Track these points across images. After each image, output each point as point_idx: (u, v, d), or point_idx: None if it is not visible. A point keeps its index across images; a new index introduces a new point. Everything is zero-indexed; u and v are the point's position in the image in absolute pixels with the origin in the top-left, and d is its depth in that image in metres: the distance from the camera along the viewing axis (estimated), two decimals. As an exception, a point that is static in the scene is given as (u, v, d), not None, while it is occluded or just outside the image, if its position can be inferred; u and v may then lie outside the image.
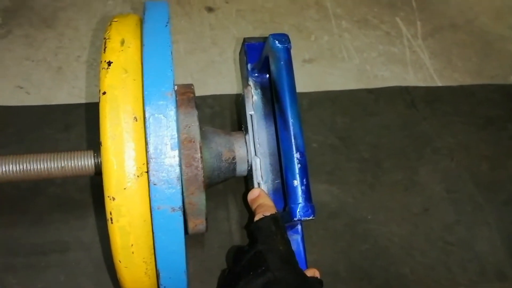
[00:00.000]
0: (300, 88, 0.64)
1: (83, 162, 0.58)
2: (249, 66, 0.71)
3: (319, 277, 0.58)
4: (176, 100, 0.59)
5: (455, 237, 0.79)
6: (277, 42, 0.62)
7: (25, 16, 0.99)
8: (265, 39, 0.66)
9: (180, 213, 0.49)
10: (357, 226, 0.79)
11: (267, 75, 0.70)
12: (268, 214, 0.58)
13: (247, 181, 0.71)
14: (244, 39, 0.73)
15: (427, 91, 0.98)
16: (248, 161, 0.66)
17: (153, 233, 0.49)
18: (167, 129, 0.49)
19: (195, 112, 0.59)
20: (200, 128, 0.59)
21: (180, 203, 0.48)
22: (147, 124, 0.48)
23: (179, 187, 0.48)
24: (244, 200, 0.77)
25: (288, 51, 0.62)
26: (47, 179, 0.60)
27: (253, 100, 0.69)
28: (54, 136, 0.82)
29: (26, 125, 0.83)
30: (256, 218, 0.59)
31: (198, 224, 0.59)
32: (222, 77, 0.95)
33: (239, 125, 0.79)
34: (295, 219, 0.56)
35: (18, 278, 0.69)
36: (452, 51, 1.06)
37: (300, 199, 0.57)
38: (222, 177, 0.65)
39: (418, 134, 0.91)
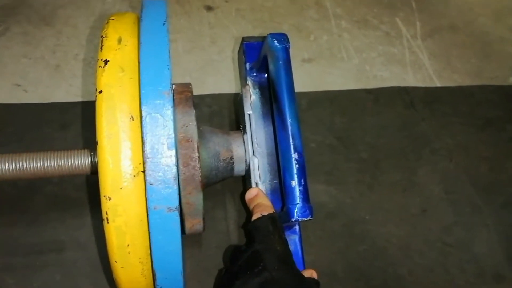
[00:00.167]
0: (299, 87, 0.64)
1: (79, 161, 0.58)
2: (247, 65, 0.71)
3: (316, 278, 0.58)
4: (174, 99, 0.58)
5: (453, 238, 0.79)
6: (275, 41, 0.62)
7: (24, 14, 0.99)
8: (263, 39, 0.65)
9: (177, 213, 0.48)
10: (355, 226, 0.79)
11: (266, 75, 0.70)
12: (266, 213, 0.58)
13: (245, 181, 0.71)
14: (243, 38, 0.72)
15: (426, 92, 0.97)
16: (246, 161, 0.66)
17: (149, 233, 0.49)
18: (163, 128, 0.48)
19: (192, 112, 0.59)
20: (198, 128, 0.59)
21: (176, 203, 0.48)
22: (143, 123, 0.48)
23: (175, 187, 0.48)
24: (242, 200, 0.77)
25: (286, 50, 0.62)
26: (43, 178, 0.59)
27: (252, 100, 0.69)
28: (51, 135, 0.82)
29: (24, 123, 0.83)
30: (254, 217, 0.59)
31: (195, 224, 0.59)
32: (221, 76, 0.95)
33: (238, 124, 0.79)
34: (293, 219, 0.56)
35: (14, 277, 0.68)
36: (452, 52, 1.06)
37: (298, 199, 0.56)
38: (219, 176, 0.65)
39: (417, 134, 0.90)
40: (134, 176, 0.48)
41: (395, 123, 0.91)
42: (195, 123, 0.58)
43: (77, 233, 0.73)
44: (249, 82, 0.70)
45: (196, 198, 0.57)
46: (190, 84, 0.63)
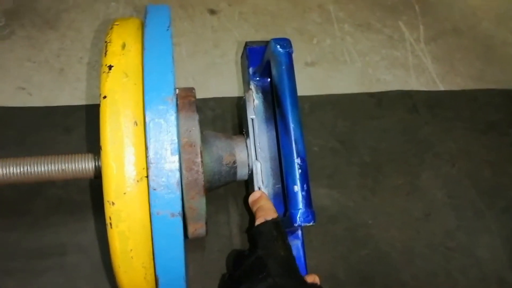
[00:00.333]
0: (301, 91, 0.64)
1: (83, 165, 0.58)
2: (250, 70, 0.71)
3: (319, 283, 0.58)
4: (177, 104, 0.59)
5: (456, 242, 0.79)
6: (278, 46, 0.62)
7: (28, 18, 0.99)
8: (267, 43, 0.66)
9: (180, 218, 0.48)
10: (358, 230, 0.79)
11: (269, 79, 0.70)
12: (269, 218, 0.58)
13: (248, 185, 0.71)
14: (246, 43, 0.73)
15: (429, 96, 0.97)
16: (248, 165, 0.66)
17: (152, 238, 0.49)
18: (167, 134, 0.49)
19: (196, 116, 0.59)
20: (201, 132, 0.59)
21: (179, 209, 0.48)
22: (147, 129, 0.48)
23: (178, 193, 0.48)
24: (245, 204, 0.77)
25: (289, 55, 0.62)
26: (47, 182, 0.60)
27: (255, 104, 0.69)
28: (55, 138, 0.82)
29: (27, 127, 0.83)
30: (257, 222, 0.59)
31: (198, 228, 0.59)
32: (224, 80, 0.95)
33: (241, 127, 0.79)
34: (296, 224, 0.56)
35: (16, 281, 0.69)
36: (455, 55, 1.06)
37: (301, 204, 0.57)
38: (222, 181, 0.65)
39: (420, 138, 0.90)
40: (138, 181, 0.48)
41: (397, 127, 0.91)
42: (198, 127, 0.58)
43: (79, 237, 0.73)
44: (252, 86, 0.70)
45: (199, 203, 0.57)
46: (193, 88, 0.63)
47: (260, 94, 0.70)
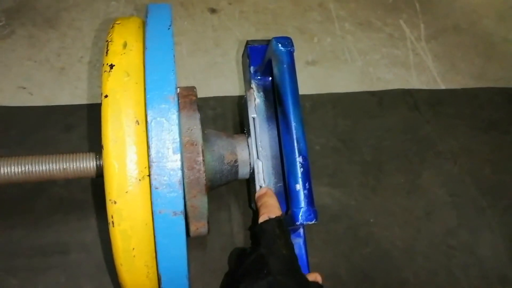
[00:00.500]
0: (303, 90, 0.64)
1: (85, 164, 0.58)
2: (251, 68, 0.71)
3: (320, 282, 0.58)
4: (178, 103, 0.59)
5: (458, 241, 0.79)
6: (280, 45, 0.62)
7: (28, 17, 0.99)
8: (268, 42, 0.65)
9: (182, 217, 0.48)
10: (359, 229, 0.79)
11: (270, 78, 0.70)
12: (273, 216, 0.58)
13: (250, 184, 0.71)
14: (247, 42, 0.73)
15: (430, 94, 0.97)
16: (250, 164, 0.66)
17: (154, 237, 0.49)
18: (169, 132, 0.48)
19: (197, 115, 0.59)
20: (202, 131, 0.59)
21: (181, 207, 0.48)
22: (149, 127, 0.48)
23: (180, 191, 0.48)
24: (246, 202, 0.77)
25: (291, 54, 0.62)
26: (49, 181, 0.60)
27: (256, 103, 0.69)
28: (56, 137, 0.82)
29: (28, 126, 0.83)
30: (261, 219, 0.59)
31: (200, 227, 0.59)
32: (225, 79, 0.95)
33: (242, 126, 0.79)
34: (298, 223, 0.56)
35: (19, 279, 0.69)
36: (456, 53, 1.06)
37: (303, 203, 0.56)
38: (224, 180, 0.65)
39: (421, 137, 0.90)
40: (140, 180, 0.48)
41: (399, 126, 0.91)
42: (199, 126, 0.58)
43: (82, 235, 0.73)
44: (253, 85, 0.70)
45: (201, 201, 0.57)
46: (194, 87, 0.63)
47: (261, 93, 0.70)
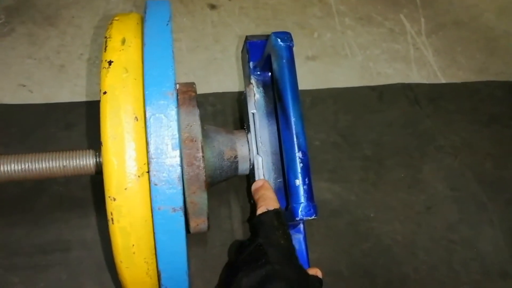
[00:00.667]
0: (303, 85, 0.64)
1: (84, 161, 0.58)
2: (251, 64, 0.71)
3: (320, 277, 0.58)
4: (178, 99, 0.58)
5: (458, 235, 0.79)
6: (279, 40, 0.62)
7: (28, 14, 0.99)
8: (267, 37, 0.65)
9: (181, 213, 0.48)
10: (360, 224, 0.79)
11: (270, 73, 0.69)
12: (271, 208, 0.58)
13: (249, 179, 0.71)
14: (246, 37, 0.72)
15: (430, 88, 0.97)
16: (250, 159, 0.66)
17: (154, 233, 0.49)
18: (168, 129, 0.48)
19: (196, 111, 0.59)
20: (202, 127, 0.59)
21: (181, 204, 0.48)
22: (148, 124, 0.48)
23: (180, 188, 0.48)
24: (246, 198, 0.77)
25: (290, 49, 0.62)
26: (48, 178, 0.60)
27: (255, 99, 0.69)
28: (56, 135, 0.82)
29: (28, 124, 0.83)
30: (259, 211, 0.59)
31: (200, 223, 0.59)
32: (225, 75, 0.95)
33: (242, 122, 0.79)
34: (297, 218, 0.56)
35: (20, 277, 0.69)
36: (456, 48, 1.05)
37: (302, 198, 0.56)
38: (224, 176, 0.65)
39: (421, 131, 0.90)
40: (139, 176, 0.48)
41: (399, 120, 0.91)
42: (199, 122, 0.58)
43: (82, 233, 0.73)
44: (253, 81, 0.70)
45: (201, 198, 0.57)
46: (194, 83, 0.63)
47: (261, 88, 0.69)
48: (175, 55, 0.53)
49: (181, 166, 0.50)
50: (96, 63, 0.93)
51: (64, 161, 0.58)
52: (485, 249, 0.78)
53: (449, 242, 0.78)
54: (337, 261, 0.75)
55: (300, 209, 0.56)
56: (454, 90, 0.98)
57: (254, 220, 0.58)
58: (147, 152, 0.48)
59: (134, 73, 0.51)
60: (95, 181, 0.77)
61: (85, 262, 0.71)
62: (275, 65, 0.63)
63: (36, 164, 0.58)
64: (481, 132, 0.91)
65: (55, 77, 0.91)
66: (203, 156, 0.56)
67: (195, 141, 0.57)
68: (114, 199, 0.48)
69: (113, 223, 0.48)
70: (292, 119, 0.59)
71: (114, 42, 0.53)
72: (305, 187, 0.57)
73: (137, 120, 0.49)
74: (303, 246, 0.64)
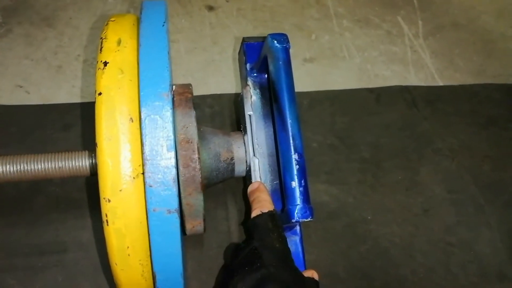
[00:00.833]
0: (300, 87, 0.64)
1: (79, 162, 0.58)
2: (248, 66, 0.70)
3: (317, 279, 0.58)
4: (174, 100, 0.58)
5: (456, 238, 0.79)
6: (275, 42, 0.62)
7: (25, 15, 0.99)
8: (264, 39, 0.65)
9: (176, 215, 0.48)
10: (357, 226, 0.78)
11: (266, 75, 0.69)
12: (265, 210, 0.58)
13: (246, 181, 0.70)
14: (243, 39, 0.72)
15: (428, 91, 0.97)
16: (246, 161, 0.66)
17: (149, 235, 0.49)
18: (163, 130, 0.48)
19: (192, 113, 0.58)
20: (198, 129, 0.59)
21: (176, 205, 0.48)
22: (143, 125, 0.48)
23: (175, 189, 0.48)
24: (243, 200, 0.77)
25: (286, 51, 0.62)
26: (44, 179, 0.59)
27: (252, 100, 0.68)
28: (53, 136, 0.82)
29: (26, 125, 0.83)
30: (253, 214, 0.59)
31: (196, 225, 0.59)
32: (222, 76, 0.95)
33: (239, 124, 0.79)
34: (293, 220, 0.56)
35: (16, 278, 0.68)
36: (454, 50, 1.05)
37: (298, 200, 0.56)
38: (220, 177, 0.65)
39: (419, 134, 0.90)
40: (134, 178, 0.48)
41: (397, 123, 0.91)
42: (195, 124, 0.58)
43: (79, 234, 0.73)
44: (249, 82, 0.70)
45: (197, 199, 0.57)
46: (190, 85, 0.63)
47: (258, 90, 0.69)
48: (172, 56, 0.53)
49: (177, 167, 0.49)
50: (93, 64, 0.93)
51: (59, 163, 0.58)
52: (483, 251, 0.78)
53: (446, 245, 0.78)
54: (334, 263, 0.74)
55: (296, 211, 0.56)
56: (451, 93, 0.98)
57: (248, 223, 0.58)
58: (142, 153, 0.48)
59: (129, 74, 0.51)
60: (91, 182, 0.77)
61: (81, 263, 0.70)
62: (271, 67, 0.63)
63: (31, 165, 0.57)
64: (479, 135, 0.91)
65: (53, 78, 0.91)
66: (199, 158, 0.56)
67: (191, 142, 0.56)
68: (109, 201, 0.47)
69: (108, 225, 0.48)
70: (288, 121, 0.59)
71: (109, 43, 0.52)
72: (301, 189, 0.56)
73: (132, 121, 0.49)
74: (300, 248, 0.64)
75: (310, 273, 0.58)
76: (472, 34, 1.09)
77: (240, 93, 0.73)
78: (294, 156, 0.57)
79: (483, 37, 1.08)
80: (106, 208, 0.47)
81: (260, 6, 1.07)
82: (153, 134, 0.48)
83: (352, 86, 0.96)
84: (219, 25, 1.03)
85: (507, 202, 0.83)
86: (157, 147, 0.48)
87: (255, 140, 0.66)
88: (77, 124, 0.83)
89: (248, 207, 0.71)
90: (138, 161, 0.48)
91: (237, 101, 0.81)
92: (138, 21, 0.57)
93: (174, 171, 0.48)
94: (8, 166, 0.57)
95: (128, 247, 0.49)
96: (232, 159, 0.65)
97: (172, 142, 0.48)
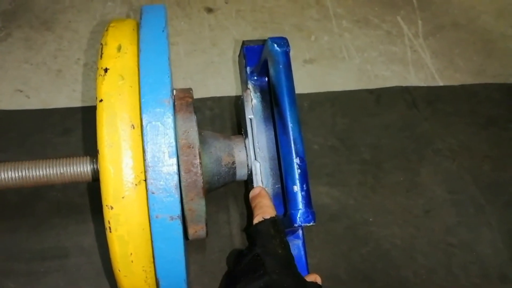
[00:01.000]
0: (300, 89, 0.63)
1: (81, 168, 0.58)
2: (248, 69, 0.70)
3: (320, 283, 0.58)
4: (175, 105, 0.58)
5: (457, 239, 0.79)
6: (275, 45, 0.62)
7: (25, 19, 0.99)
8: (264, 42, 0.65)
9: (179, 221, 0.48)
10: (358, 228, 0.78)
11: (267, 78, 0.69)
12: (267, 216, 0.58)
13: (248, 185, 0.70)
14: (243, 42, 0.72)
15: (428, 91, 0.97)
16: (248, 165, 0.66)
17: (152, 241, 0.49)
18: (164, 136, 0.48)
19: (193, 117, 0.58)
20: (199, 133, 0.59)
21: (178, 212, 0.48)
22: (144, 132, 0.48)
23: (177, 196, 0.48)
24: (245, 204, 0.77)
25: (287, 54, 0.62)
26: (45, 185, 0.59)
27: (253, 104, 0.68)
28: (53, 140, 0.82)
29: (26, 129, 0.83)
30: (255, 220, 0.59)
31: (198, 230, 0.59)
32: (222, 79, 0.95)
33: (239, 127, 0.79)
34: (296, 225, 0.56)
35: (18, 283, 0.69)
36: (454, 50, 1.05)
37: (300, 205, 0.56)
38: (222, 182, 0.65)
39: (419, 134, 0.90)
40: (136, 185, 0.48)
41: (397, 123, 0.91)
42: (196, 129, 0.58)
43: (80, 239, 0.73)
44: (250, 86, 0.70)
45: (199, 204, 0.57)
46: (190, 89, 0.63)
47: (258, 93, 0.69)
48: (172, 60, 0.52)
49: (179, 173, 0.49)
50: (93, 68, 0.92)
51: (61, 169, 0.58)
52: (484, 252, 0.78)
53: (448, 246, 0.78)
54: (335, 265, 0.74)
55: (298, 216, 0.56)
56: (451, 93, 0.98)
57: (250, 230, 0.58)
58: (144, 160, 0.48)
59: (130, 80, 0.51)
60: (93, 187, 0.77)
61: (83, 268, 0.70)
62: (271, 71, 0.62)
63: (33, 172, 0.57)
64: (479, 135, 0.91)
65: (52, 82, 0.90)
66: (200, 163, 0.56)
67: (193, 147, 0.56)
68: (112, 208, 0.47)
69: (110, 232, 0.48)
70: (290, 125, 0.59)
71: (109, 49, 0.52)
72: (303, 193, 0.56)
73: (133, 128, 0.49)
74: (302, 252, 0.64)
75: (313, 278, 0.58)
76: (472, 34, 1.09)
77: (240, 96, 0.73)
78: (296, 160, 0.57)
79: (483, 37, 1.08)
80: (109, 215, 0.48)
81: (259, 7, 1.07)
82: (155, 141, 0.48)
83: (352, 87, 0.96)
84: (218, 27, 1.02)
85: (508, 202, 0.83)
86: (159, 154, 0.48)
87: (256, 144, 0.66)
88: (77, 128, 0.83)
89: (249, 211, 0.72)
90: (140, 167, 0.48)
91: (238, 103, 0.81)
92: (138, 26, 0.57)
93: (176, 177, 0.48)
94: (9, 173, 0.57)
95: (131, 254, 0.49)
96: (233, 163, 0.65)
97: (174, 149, 0.48)
